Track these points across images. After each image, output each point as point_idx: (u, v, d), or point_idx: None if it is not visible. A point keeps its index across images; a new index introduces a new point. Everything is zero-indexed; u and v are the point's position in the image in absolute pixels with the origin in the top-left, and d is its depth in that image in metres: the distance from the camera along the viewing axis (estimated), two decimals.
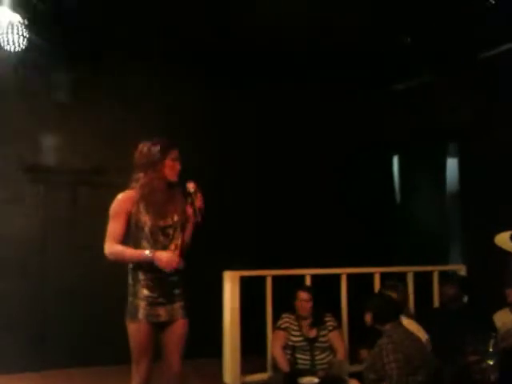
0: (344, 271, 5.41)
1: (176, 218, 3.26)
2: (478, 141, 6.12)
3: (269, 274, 5.18)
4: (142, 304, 3.16)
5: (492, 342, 3.94)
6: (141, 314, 3.16)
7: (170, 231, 3.24)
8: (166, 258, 3.12)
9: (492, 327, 4.53)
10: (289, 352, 4.74)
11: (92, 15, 5.05)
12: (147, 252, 3.13)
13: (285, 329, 4.78)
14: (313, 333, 4.78)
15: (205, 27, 5.41)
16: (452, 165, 6.70)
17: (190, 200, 3.24)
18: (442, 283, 5.35)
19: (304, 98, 6.59)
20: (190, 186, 3.25)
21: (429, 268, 5.72)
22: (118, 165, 5.68)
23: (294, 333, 4.77)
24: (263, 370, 5.08)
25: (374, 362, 3.79)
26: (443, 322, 4.65)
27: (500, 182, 5.67)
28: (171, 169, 3.23)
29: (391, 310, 3.96)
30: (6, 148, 5.58)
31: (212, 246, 5.54)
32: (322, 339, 4.79)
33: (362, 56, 6.01)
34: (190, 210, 3.26)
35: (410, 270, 5.62)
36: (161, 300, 3.19)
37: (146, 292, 3.17)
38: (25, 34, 4.51)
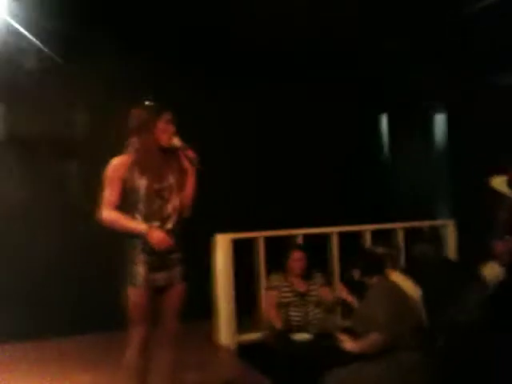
0: (334, 230, 5.48)
1: (172, 179, 3.25)
2: (465, 99, 6.14)
3: (260, 235, 5.23)
4: (141, 269, 3.17)
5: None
6: (140, 279, 3.18)
7: (166, 194, 3.22)
8: (158, 237, 3.12)
9: (480, 279, 4.62)
10: (282, 311, 4.80)
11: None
12: (143, 227, 3.14)
13: (275, 287, 4.82)
14: (303, 287, 4.84)
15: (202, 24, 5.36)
16: (440, 121, 6.73)
17: (182, 153, 3.24)
18: (412, 242, 5.34)
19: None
20: (176, 140, 3.23)
21: (417, 224, 5.79)
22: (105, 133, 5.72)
23: (284, 289, 4.80)
24: (257, 329, 5.17)
25: (361, 313, 3.88)
26: (426, 276, 4.71)
27: (488, 138, 5.71)
28: (164, 131, 3.19)
29: (377, 264, 4.05)
30: None
31: (203, 209, 5.56)
32: (312, 293, 4.85)
33: None
34: (186, 165, 3.26)
35: (399, 227, 5.69)
36: (159, 264, 3.20)
37: (144, 257, 3.18)
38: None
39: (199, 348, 4.95)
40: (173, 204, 3.27)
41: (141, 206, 3.21)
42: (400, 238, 5.65)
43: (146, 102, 3.26)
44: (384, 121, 7.47)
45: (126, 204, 3.23)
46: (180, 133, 3.29)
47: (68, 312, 5.51)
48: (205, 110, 6.00)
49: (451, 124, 6.61)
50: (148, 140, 3.19)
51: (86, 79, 5.67)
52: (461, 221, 5.87)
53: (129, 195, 3.22)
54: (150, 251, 3.17)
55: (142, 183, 3.18)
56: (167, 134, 3.21)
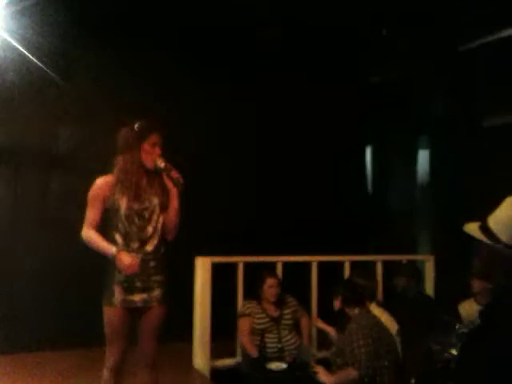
0: (315, 259, 5.48)
1: (154, 201, 3.24)
2: (451, 134, 6.24)
3: (240, 260, 5.22)
4: (118, 289, 3.16)
5: (456, 332, 4.03)
6: (116, 298, 3.16)
7: (147, 214, 3.22)
8: (126, 262, 3.06)
9: (457, 317, 4.65)
10: (258, 338, 4.79)
11: None
12: (113, 250, 3.10)
13: (249, 314, 4.82)
14: (276, 313, 4.85)
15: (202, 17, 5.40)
16: (424, 156, 6.81)
17: (165, 175, 3.23)
18: (392, 275, 5.38)
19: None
20: (159, 162, 3.22)
21: (397, 257, 5.82)
22: (92, 149, 5.70)
23: (258, 315, 4.82)
24: (233, 354, 5.15)
25: (342, 347, 3.85)
26: (403, 310, 4.73)
27: (471, 174, 5.79)
28: (148, 153, 3.19)
29: (359, 295, 4.05)
30: None
31: (184, 232, 5.56)
32: (286, 317, 4.87)
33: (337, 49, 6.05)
34: (170, 187, 3.24)
35: (378, 259, 5.72)
36: (138, 285, 3.18)
37: (121, 278, 3.15)
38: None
39: (173, 370, 4.89)
40: (154, 226, 3.26)
41: (120, 226, 3.20)
42: (379, 270, 5.67)
43: (135, 123, 3.26)
44: (369, 150, 7.54)
45: (108, 223, 3.23)
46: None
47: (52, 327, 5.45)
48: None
49: (435, 158, 6.69)
50: (131, 160, 3.20)
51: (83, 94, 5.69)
52: (440, 257, 5.92)
53: (110, 215, 3.23)
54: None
55: (122, 203, 3.19)
56: (152, 156, 3.22)
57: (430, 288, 5.78)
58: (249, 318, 4.81)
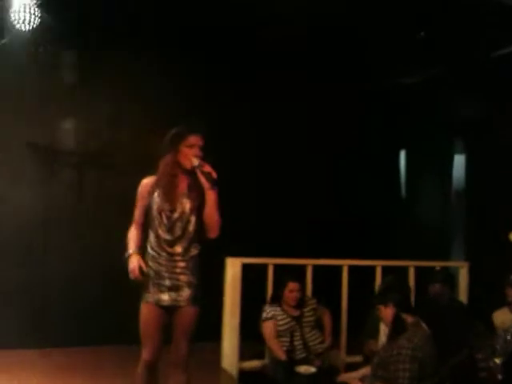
0: (346, 263, 5.42)
1: (188, 202, 3.31)
2: (486, 138, 6.12)
3: (270, 262, 5.20)
4: (151, 287, 3.30)
5: (500, 340, 3.90)
6: (149, 296, 3.30)
7: (176, 215, 3.29)
8: (130, 266, 3.26)
9: (489, 325, 4.56)
10: (285, 340, 4.78)
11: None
12: (129, 251, 3.33)
13: (271, 318, 4.84)
14: (297, 312, 4.88)
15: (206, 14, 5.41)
16: (458, 161, 6.69)
17: (199, 171, 3.26)
18: (426, 281, 5.28)
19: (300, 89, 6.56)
20: (194, 160, 3.28)
21: (431, 263, 5.72)
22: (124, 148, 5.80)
23: (280, 317, 4.84)
24: (261, 357, 5.14)
25: (387, 361, 3.59)
26: (435, 317, 4.63)
27: (505, 180, 5.67)
28: (185, 155, 3.29)
29: (411, 300, 3.81)
30: (14, 126, 5.59)
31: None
32: (307, 314, 4.90)
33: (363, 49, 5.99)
34: (203, 183, 3.26)
35: (411, 265, 5.62)
36: (167, 284, 3.28)
37: (153, 275, 3.29)
38: (37, 13, 4.51)
39: (202, 370, 4.90)
40: (183, 227, 3.31)
41: (153, 226, 3.33)
42: (411, 276, 5.58)
43: (177, 127, 3.38)
44: (402, 155, 7.45)
45: (149, 222, 3.39)
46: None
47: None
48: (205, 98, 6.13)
49: (471, 162, 6.57)
50: (168, 161, 3.32)
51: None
52: (475, 264, 5.79)
53: (150, 214, 3.36)
54: (159, 271, 3.28)
55: (155, 203, 3.31)
56: (188, 158, 3.28)
57: (463, 295, 5.66)
58: (272, 321, 4.83)
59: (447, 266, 5.81)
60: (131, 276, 3.25)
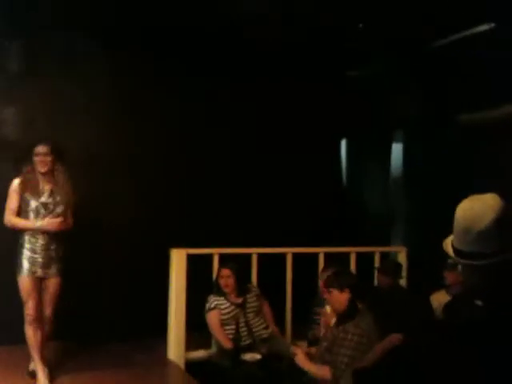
0: (290, 250, 5.51)
1: (57, 197, 4.38)
2: (424, 129, 6.32)
3: (216, 251, 5.22)
4: (25, 262, 4.26)
5: None
6: (24, 269, 4.25)
7: (51, 206, 4.36)
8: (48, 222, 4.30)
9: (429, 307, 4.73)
10: (230, 328, 4.85)
11: None
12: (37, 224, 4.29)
13: (214, 308, 4.92)
14: (240, 299, 4.99)
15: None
16: (397, 150, 6.88)
17: None
18: (378, 271, 5.44)
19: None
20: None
21: (371, 249, 5.88)
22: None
23: (223, 306, 4.93)
24: (208, 346, 5.17)
25: (333, 343, 3.68)
26: (378, 303, 4.75)
27: (443, 167, 5.87)
28: (37, 163, 4.34)
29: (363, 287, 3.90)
30: None
31: (159, 223, 5.56)
32: (250, 300, 5.02)
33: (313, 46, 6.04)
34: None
35: (352, 251, 5.76)
36: (39, 261, 4.29)
37: (29, 253, 4.28)
38: None
39: (148, 362, 4.90)
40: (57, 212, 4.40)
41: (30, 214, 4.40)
42: (353, 262, 5.72)
43: None
44: (343, 143, 7.56)
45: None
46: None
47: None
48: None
49: (409, 151, 6.76)
50: (31, 168, 4.40)
51: None
52: (413, 248, 5.98)
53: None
54: (34, 250, 4.27)
55: (28, 196, 4.36)
56: (40, 165, 4.33)
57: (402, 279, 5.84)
58: (216, 311, 4.91)
59: (388, 253, 5.99)
60: (56, 228, 4.33)
